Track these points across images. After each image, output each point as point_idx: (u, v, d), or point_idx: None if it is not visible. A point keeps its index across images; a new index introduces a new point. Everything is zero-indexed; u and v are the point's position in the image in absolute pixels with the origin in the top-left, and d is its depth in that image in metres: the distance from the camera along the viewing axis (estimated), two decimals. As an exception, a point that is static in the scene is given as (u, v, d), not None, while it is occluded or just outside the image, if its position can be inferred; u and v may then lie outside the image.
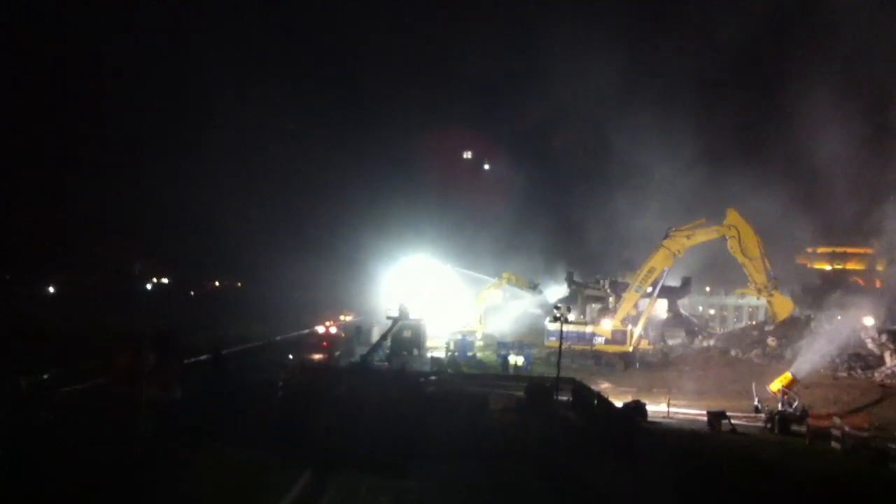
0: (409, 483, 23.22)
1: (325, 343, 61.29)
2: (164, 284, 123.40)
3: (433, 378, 45.78)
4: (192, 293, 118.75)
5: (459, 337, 66.40)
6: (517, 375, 52.29)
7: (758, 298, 71.75)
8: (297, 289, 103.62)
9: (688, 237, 66.24)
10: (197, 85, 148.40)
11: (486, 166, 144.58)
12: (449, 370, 53.17)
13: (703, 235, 66.37)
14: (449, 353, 61.78)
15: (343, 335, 65.88)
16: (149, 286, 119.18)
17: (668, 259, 66.79)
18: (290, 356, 54.83)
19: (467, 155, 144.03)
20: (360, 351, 57.05)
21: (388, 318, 59.78)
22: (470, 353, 63.22)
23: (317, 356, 57.43)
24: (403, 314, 58.67)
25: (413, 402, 35.65)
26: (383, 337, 57.98)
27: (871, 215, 63.28)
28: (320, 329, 65.63)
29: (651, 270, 67.18)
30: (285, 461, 24.18)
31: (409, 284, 78.42)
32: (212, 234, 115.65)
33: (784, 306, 64.72)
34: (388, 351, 57.35)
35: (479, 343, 70.15)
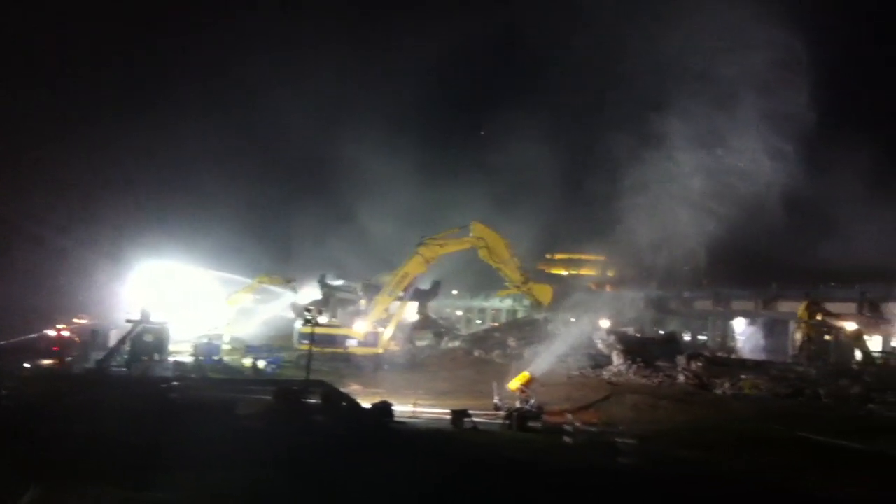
0: (151, 494, 21.96)
1: (56, 348, 56.95)
2: None
3: (176, 384, 43.82)
4: None
5: (206, 341, 64.14)
6: (266, 380, 51.37)
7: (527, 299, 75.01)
8: (25, 291, 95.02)
9: (441, 246, 68.04)
10: None
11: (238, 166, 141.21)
12: (193, 375, 51.31)
13: (456, 245, 68.46)
14: (194, 358, 59.64)
15: (77, 340, 61.44)
16: None
17: (421, 266, 68.27)
18: (26, 364, 50.38)
19: (216, 154, 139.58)
20: (97, 356, 53.73)
21: (128, 321, 56.77)
22: (216, 358, 61.23)
23: (47, 362, 53.23)
24: (145, 317, 55.99)
25: (154, 409, 33.94)
26: (121, 341, 54.94)
27: (602, 224, 68.30)
28: (51, 333, 60.85)
29: (405, 276, 68.37)
30: (8, 476, 22.08)
31: (153, 287, 74.91)
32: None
33: (544, 292, 67.88)
34: (126, 356, 54.32)
35: (226, 347, 68.17)
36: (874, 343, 63.80)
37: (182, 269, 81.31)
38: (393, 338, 69.89)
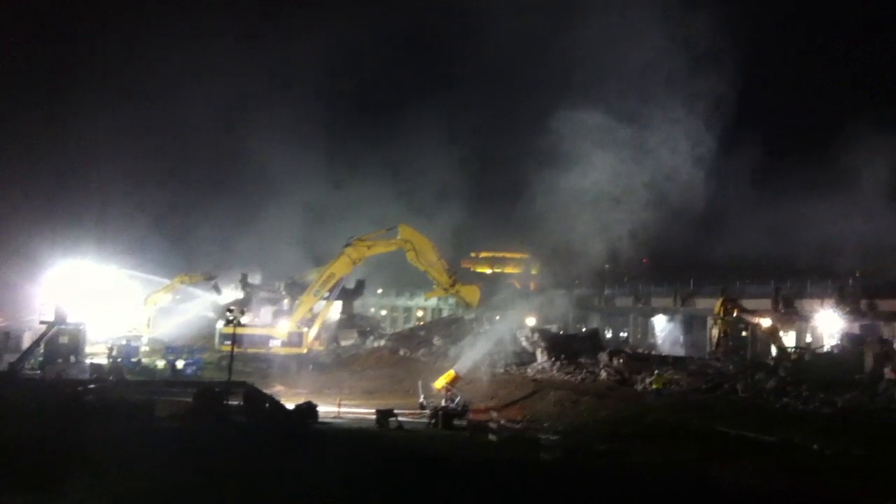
0: (66, 499, 21.30)
1: (-35, 351, 55.00)
2: None
3: (93, 386, 42.67)
4: None
5: (123, 342, 62.55)
6: (186, 381, 50.42)
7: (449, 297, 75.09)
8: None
9: (368, 247, 67.68)
10: None
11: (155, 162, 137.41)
12: (111, 377, 50.05)
13: (383, 247, 68.22)
14: (111, 360, 58.12)
15: (-13, 342, 59.44)
16: None
17: (347, 266, 67.84)
18: None
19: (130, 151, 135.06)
20: (9, 358, 52.06)
21: (42, 322, 55.12)
22: (135, 359, 59.73)
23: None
24: (59, 318, 54.39)
25: (70, 412, 32.99)
26: (35, 343, 53.36)
27: (525, 222, 69.01)
28: (-41, 335, 58.76)
29: (331, 276, 67.77)
30: None
31: (68, 286, 72.70)
32: None
33: (471, 293, 67.91)
34: (41, 358, 52.74)
35: (145, 348, 66.62)
36: (789, 338, 65.64)
37: (98, 268, 79.10)
38: (317, 337, 69.31)
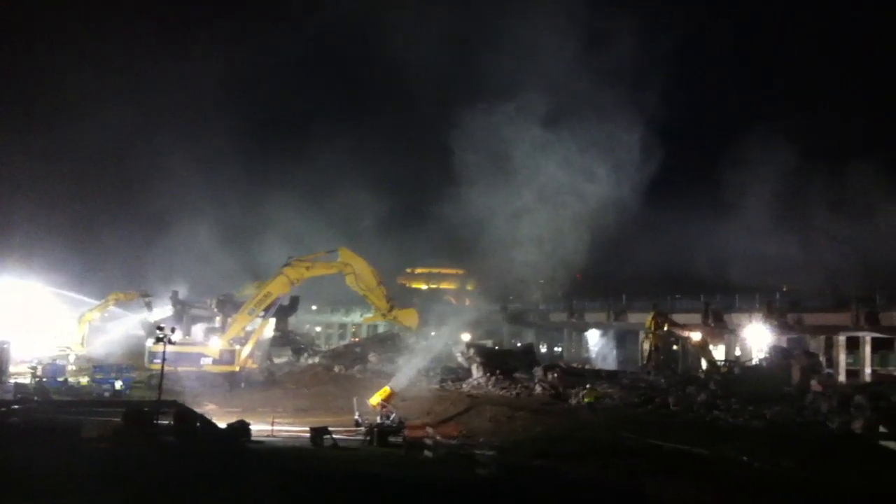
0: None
1: None
2: None
3: (17, 407, 41.32)
4: None
5: (49, 361, 60.73)
6: (115, 401, 49.15)
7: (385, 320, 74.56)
8: None
9: (307, 268, 66.78)
10: None
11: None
12: (36, 398, 48.53)
13: (323, 269, 67.43)
14: (36, 379, 56.33)
15: None
16: None
17: (285, 286, 66.81)
18: None
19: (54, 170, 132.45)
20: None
21: (-37, 342, 53.32)
22: (61, 379, 58.00)
23: None
24: (-18, 338, 52.76)
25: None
26: (-44, 363, 51.49)
27: (462, 237, 69.12)
28: None
29: (267, 295, 66.70)
30: None
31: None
32: None
33: (409, 317, 67.47)
34: (-39, 380, 50.97)
35: (72, 367, 64.77)
36: (718, 352, 66.95)
37: (21, 286, 76.93)
38: (250, 355, 68.21)
